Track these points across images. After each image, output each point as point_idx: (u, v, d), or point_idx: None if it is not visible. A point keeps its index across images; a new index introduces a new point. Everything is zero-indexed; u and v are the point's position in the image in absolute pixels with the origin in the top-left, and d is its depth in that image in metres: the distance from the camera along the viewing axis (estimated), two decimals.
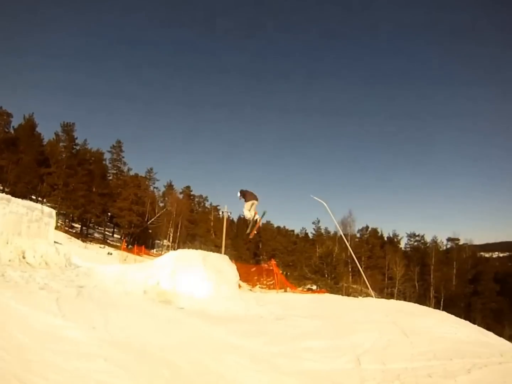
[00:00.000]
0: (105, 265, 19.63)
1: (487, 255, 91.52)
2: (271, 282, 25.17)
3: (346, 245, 37.11)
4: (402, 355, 8.33)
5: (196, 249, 21.64)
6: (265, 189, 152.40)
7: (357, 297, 22.51)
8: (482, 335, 13.66)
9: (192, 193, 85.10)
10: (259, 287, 24.62)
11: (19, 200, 15.77)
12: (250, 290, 21.70)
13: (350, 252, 33.71)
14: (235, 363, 6.62)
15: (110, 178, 72.00)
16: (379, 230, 76.16)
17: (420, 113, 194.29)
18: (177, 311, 11.96)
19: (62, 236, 43.73)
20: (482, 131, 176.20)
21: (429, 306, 39.72)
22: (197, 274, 15.33)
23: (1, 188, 53.15)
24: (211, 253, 19.29)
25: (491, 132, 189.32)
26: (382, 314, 13.08)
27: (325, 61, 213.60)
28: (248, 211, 15.17)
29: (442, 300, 57.70)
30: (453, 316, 17.15)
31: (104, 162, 71.04)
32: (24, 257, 14.02)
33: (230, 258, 20.87)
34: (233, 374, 6.14)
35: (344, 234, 56.35)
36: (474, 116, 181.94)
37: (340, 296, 19.78)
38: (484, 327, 13.19)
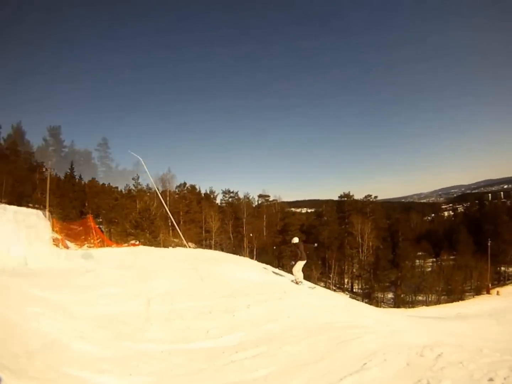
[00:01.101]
0: None
1: (297, 210, 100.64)
2: (99, 241, 25.02)
3: (164, 200, 37.98)
4: (192, 296, 9.44)
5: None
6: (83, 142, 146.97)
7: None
8: (277, 277, 15.58)
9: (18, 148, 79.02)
10: (87, 246, 24.26)
11: (15, 207, 14.41)
12: (78, 249, 21.45)
13: (165, 207, 34.58)
14: (33, 313, 6.80)
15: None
16: (197, 187, 77.67)
17: None
18: None
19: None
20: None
21: (244, 255, 42.64)
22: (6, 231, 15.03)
23: None
24: (22, 208, 18.76)
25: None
26: (187, 262, 14.22)
27: None
28: (300, 272, 14.11)
29: (255, 249, 61.87)
30: (254, 262, 19.08)
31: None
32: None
33: (56, 218, 20.37)
34: (28, 322, 6.37)
35: (163, 190, 57.23)
36: None
37: (154, 247, 20.63)
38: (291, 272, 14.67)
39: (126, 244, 32.60)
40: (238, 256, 21.37)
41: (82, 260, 14.12)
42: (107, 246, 22.99)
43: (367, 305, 24.90)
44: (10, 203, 56.85)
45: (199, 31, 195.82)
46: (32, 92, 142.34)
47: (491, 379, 5.51)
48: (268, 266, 18.70)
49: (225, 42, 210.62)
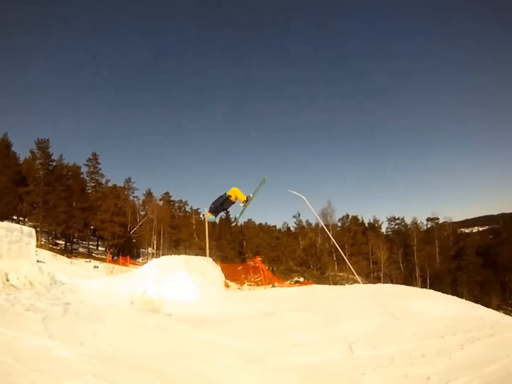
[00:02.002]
0: (90, 279, 19.38)
1: (467, 230, 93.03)
2: (259, 279, 25.04)
3: (328, 235, 37.32)
4: (394, 338, 8.38)
5: (181, 254, 21.58)
6: (244, 189, 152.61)
7: (344, 284, 22.67)
8: (471, 309, 13.84)
9: (171, 198, 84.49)
10: (248, 284, 24.53)
11: (190, 256, 15.87)
12: (239, 288, 21.62)
13: (332, 241, 33.81)
14: (226, 365, 6.57)
15: (89, 191, 70.90)
16: (359, 217, 76.61)
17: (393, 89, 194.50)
18: (165, 318, 11.86)
19: (46, 254, 43.27)
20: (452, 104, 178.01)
21: (416, 286, 40.21)
22: (181, 279, 15.26)
23: None
24: (193, 256, 19.25)
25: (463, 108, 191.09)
26: (370, 299, 13.16)
27: None
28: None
29: (428, 278, 58.51)
30: (440, 293, 17.40)
31: (82, 176, 69.89)
32: (7, 280, 13.80)
33: (216, 259, 20.79)
34: (224, 376, 6.09)
35: (325, 225, 56.80)
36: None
37: (327, 285, 19.91)
38: (471, 300, 13.35)
39: (288, 282, 32.36)
40: (421, 289, 19.74)
41: (258, 303, 13.79)
42: (269, 284, 22.72)
43: None
44: (168, 248, 60.07)
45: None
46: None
47: None
48: (454, 297, 17.01)
49: None
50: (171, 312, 12.91)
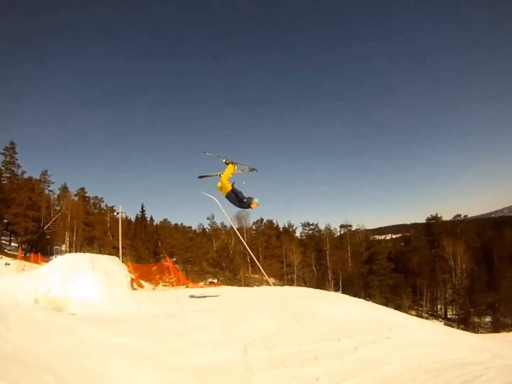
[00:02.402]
0: None
1: (381, 237, 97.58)
2: (173, 280, 24.99)
3: (241, 237, 37.75)
4: (290, 340, 8.62)
5: (95, 252, 21.17)
6: (161, 188, 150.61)
7: (255, 286, 23.05)
8: (374, 312, 14.49)
9: (87, 194, 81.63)
10: (162, 285, 24.34)
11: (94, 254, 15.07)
12: (153, 289, 21.44)
13: (244, 244, 34.27)
14: (120, 364, 6.53)
15: (4, 182, 67.02)
16: (274, 221, 77.73)
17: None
18: (68, 317, 11.57)
19: None
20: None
21: (329, 288, 41.55)
22: (86, 278, 14.96)
23: None
24: (99, 255, 18.96)
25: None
26: (276, 301, 13.50)
27: None
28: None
29: (341, 281, 60.55)
30: (346, 296, 18.11)
31: None
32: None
33: (128, 260, 20.52)
34: (117, 375, 6.05)
35: (239, 228, 57.32)
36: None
37: (237, 287, 20.18)
38: (383, 302, 13.96)
39: (202, 283, 32.46)
40: (328, 292, 20.54)
41: (163, 303, 13.80)
42: (183, 284, 22.80)
43: (469, 333, 23.20)
44: (81, 245, 58.24)
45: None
46: None
47: None
48: (361, 300, 17.80)
49: None
50: (75, 311, 12.66)
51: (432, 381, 6.54)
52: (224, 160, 11.66)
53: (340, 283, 59.79)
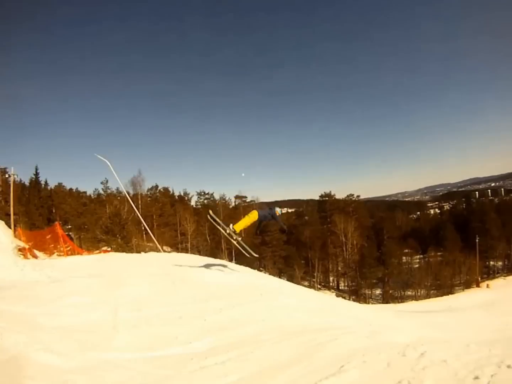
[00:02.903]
0: None
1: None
2: (68, 249, 24.48)
3: (134, 204, 37.38)
4: (162, 302, 9.15)
5: None
6: (55, 149, 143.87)
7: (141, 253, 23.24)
8: (256, 279, 15.44)
9: None
10: (57, 255, 23.68)
11: None
12: (48, 259, 20.95)
13: (135, 211, 34.08)
14: None
15: None
16: (170, 189, 76.73)
17: None
18: None
19: None
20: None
21: (222, 258, 42.30)
22: None
23: None
24: None
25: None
26: (160, 267, 13.99)
27: None
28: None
29: (233, 251, 61.71)
30: (232, 264, 18.93)
31: None
32: None
33: (22, 227, 19.90)
34: None
35: (134, 194, 56.47)
36: None
37: (125, 253, 20.36)
38: (277, 272, 14.73)
39: (97, 251, 32.10)
40: (214, 259, 21.13)
41: (48, 270, 13.76)
42: (77, 254, 22.56)
43: (351, 303, 24.99)
44: None
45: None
46: None
47: (476, 377, 5.15)
48: (246, 268, 18.58)
49: None
50: None
51: (286, 342, 7.16)
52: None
53: (233, 253, 60.90)
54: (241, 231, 13.90)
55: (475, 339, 9.53)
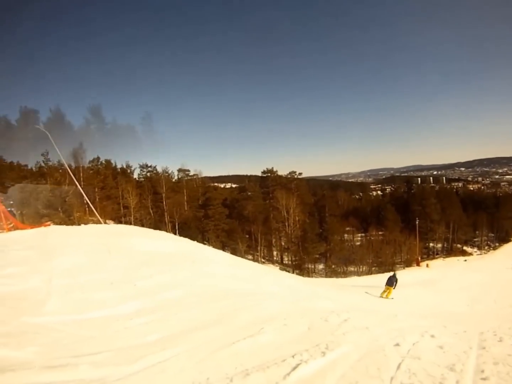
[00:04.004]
0: None
1: (221, 186, 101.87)
2: (11, 225, 23.99)
3: (76, 177, 36.86)
4: (95, 269, 9.56)
5: None
6: None
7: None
8: (191, 248, 15.89)
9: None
10: None
11: None
12: None
13: (76, 184, 33.62)
14: None
15: None
16: (112, 161, 74.71)
17: None
18: None
19: None
20: None
21: (166, 230, 42.31)
22: None
23: None
24: None
25: None
26: (97, 238, 14.25)
27: None
28: None
29: (177, 224, 61.47)
30: (170, 234, 19.34)
31: None
32: None
33: None
34: None
35: (76, 166, 55.28)
36: None
37: (64, 226, 20.30)
38: (219, 245, 15.17)
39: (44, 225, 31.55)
40: (152, 230, 21.42)
41: None
42: (20, 229, 22.28)
43: (287, 273, 25.70)
44: None
45: None
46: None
47: (397, 344, 5.48)
48: (185, 239, 18.96)
49: None
50: None
51: (211, 305, 7.72)
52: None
53: (177, 226, 60.65)
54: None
55: (407, 311, 10.26)
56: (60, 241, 13.59)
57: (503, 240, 74.50)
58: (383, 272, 52.54)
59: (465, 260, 62.34)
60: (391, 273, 20.07)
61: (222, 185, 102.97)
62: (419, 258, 62.87)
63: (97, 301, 7.43)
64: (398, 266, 60.43)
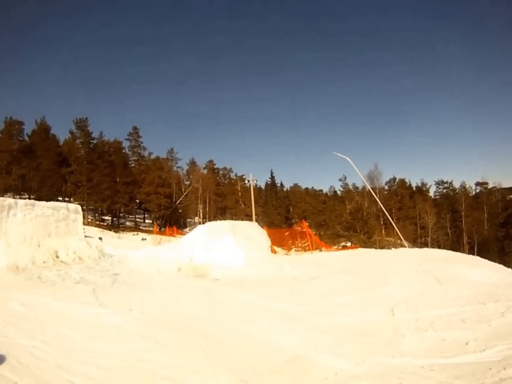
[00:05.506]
0: (137, 250, 19.82)
1: None
2: (306, 244, 25.01)
3: (375, 198, 36.72)
4: (435, 302, 8.33)
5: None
6: (288, 153, 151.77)
7: (390, 249, 22.39)
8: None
9: (215, 166, 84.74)
10: (295, 250, 24.40)
11: (43, 202, 16.11)
12: (286, 254, 21.71)
13: (379, 205, 33.25)
14: (267, 325, 6.78)
15: (132, 165, 72.16)
16: (407, 180, 73.45)
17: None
18: (212, 283, 12.17)
19: (94, 231, 44.67)
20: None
21: (463, 252, 39.30)
22: (228, 244, 15.52)
23: (27, 196, 53.54)
24: (239, 221, 19.38)
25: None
26: (415, 263, 13.02)
27: None
28: None
29: (476, 245, 56.66)
30: (486, 261, 17.04)
31: (123, 151, 71.05)
32: (57, 256, 14.36)
33: (262, 225, 20.77)
34: (265, 334, 6.31)
35: (372, 188, 55.63)
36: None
37: (373, 249, 19.73)
38: None
39: (335, 247, 32.13)
40: (467, 255, 19.29)
41: (304, 266, 13.83)
42: (316, 248, 22.63)
43: None
44: (214, 216, 59.98)
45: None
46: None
47: None
48: (500, 266, 16.60)
49: None
50: (218, 277, 13.23)
51: None
52: None
53: (475, 248, 55.64)
54: None
55: None
56: (377, 267, 12.90)
57: None
58: None
59: None
60: None
61: None
62: None
63: (456, 343, 6.21)
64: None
